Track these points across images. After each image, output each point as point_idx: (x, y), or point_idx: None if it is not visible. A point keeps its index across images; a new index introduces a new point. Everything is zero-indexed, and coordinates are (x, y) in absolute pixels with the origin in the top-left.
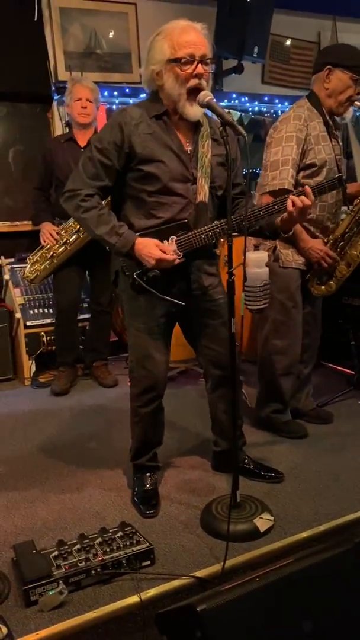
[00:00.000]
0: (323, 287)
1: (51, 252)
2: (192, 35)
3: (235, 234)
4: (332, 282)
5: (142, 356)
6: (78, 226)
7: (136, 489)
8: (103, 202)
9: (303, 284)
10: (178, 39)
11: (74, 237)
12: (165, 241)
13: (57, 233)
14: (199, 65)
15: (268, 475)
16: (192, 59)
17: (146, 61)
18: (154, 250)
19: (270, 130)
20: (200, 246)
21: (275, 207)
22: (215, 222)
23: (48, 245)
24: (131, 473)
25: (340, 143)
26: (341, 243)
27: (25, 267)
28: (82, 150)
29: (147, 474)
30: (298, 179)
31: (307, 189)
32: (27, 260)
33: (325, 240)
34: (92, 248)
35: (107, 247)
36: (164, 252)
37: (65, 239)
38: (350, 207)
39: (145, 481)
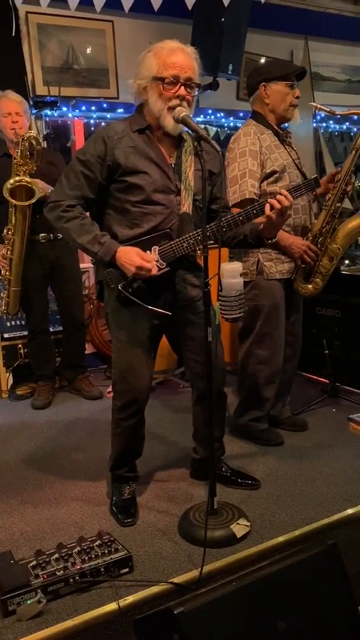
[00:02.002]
0: (310, 285)
1: (3, 272)
2: (179, 58)
3: (214, 244)
4: (317, 279)
5: (124, 369)
6: (6, 231)
7: (114, 499)
8: (87, 214)
9: (287, 294)
10: (166, 59)
11: (10, 244)
12: (147, 251)
13: (3, 254)
14: (182, 87)
15: (245, 483)
16: (176, 81)
17: (135, 75)
18: (134, 257)
19: (226, 153)
20: (182, 254)
21: (254, 211)
22: (196, 230)
23: (2, 271)
24: (109, 483)
25: (295, 149)
26: (320, 238)
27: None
28: None
29: (126, 484)
30: (265, 189)
31: (283, 190)
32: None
33: (305, 238)
34: (49, 262)
35: (90, 257)
36: (145, 260)
37: (4, 252)
38: (324, 202)
39: (123, 490)
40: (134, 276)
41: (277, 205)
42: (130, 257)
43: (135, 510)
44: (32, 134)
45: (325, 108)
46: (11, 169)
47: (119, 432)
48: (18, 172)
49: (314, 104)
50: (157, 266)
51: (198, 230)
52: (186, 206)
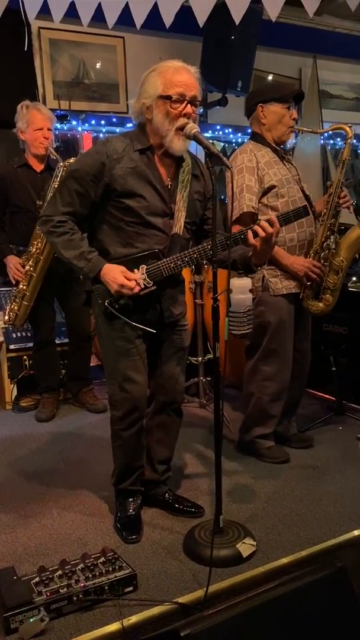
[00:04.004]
0: (320, 303)
1: (21, 286)
2: (184, 77)
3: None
4: (327, 295)
5: (122, 379)
6: (34, 248)
7: (119, 514)
8: (77, 229)
9: (296, 310)
10: (171, 77)
11: (34, 262)
12: (135, 270)
13: (22, 265)
14: (188, 105)
15: (188, 510)
16: (182, 99)
17: (138, 94)
18: (117, 275)
19: (226, 172)
20: (169, 274)
21: (242, 236)
22: (185, 251)
23: (18, 283)
24: (113, 498)
25: (295, 165)
26: (322, 253)
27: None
28: (39, 175)
29: (130, 499)
30: (266, 203)
31: (272, 217)
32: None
33: (306, 255)
34: (59, 276)
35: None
36: (128, 280)
37: (27, 268)
38: (320, 218)
39: (128, 506)
40: (117, 293)
41: (262, 233)
42: (114, 275)
43: (140, 527)
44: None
45: (307, 129)
46: (31, 178)
47: (119, 444)
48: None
49: (297, 127)
50: (144, 285)
51: (186, 251)
52: (178, 227)
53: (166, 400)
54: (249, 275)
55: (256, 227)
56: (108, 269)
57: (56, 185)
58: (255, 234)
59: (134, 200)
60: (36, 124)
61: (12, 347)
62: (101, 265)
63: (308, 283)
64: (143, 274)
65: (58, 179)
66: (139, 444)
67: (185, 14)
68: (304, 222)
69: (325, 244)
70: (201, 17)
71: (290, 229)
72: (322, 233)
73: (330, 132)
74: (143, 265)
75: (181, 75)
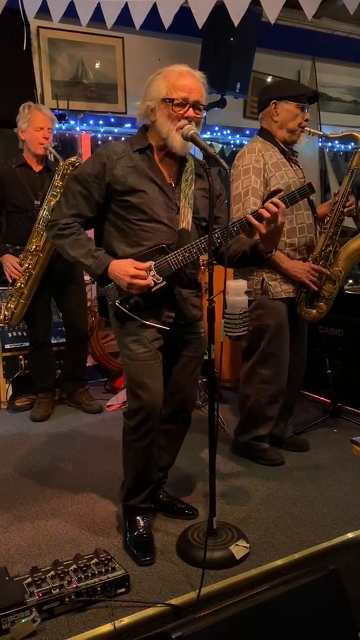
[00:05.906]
0: (314, 310)
1: (19, 284)
2: (188, 81)
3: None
4: (321, 304)
5: (135, 385)
6: (34, 246)
7: (128, 534)
8: (84, 231)
9: (292, 313)
10: (175, 81)
11: (34, 260)
12: None
13: (20, 264)
14: (191, 109)
15: (182, 512)
16: (184, 103)
17: (143, 97)
18: (128, 267)
19: (231, 170)
20: (178, 267)
21: (245, 220)
22: (191, 243)
23: (15, 281)
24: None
25: (302, 167)
26: (321, 262)
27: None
28: (38, 175)
29: (139, 517)
30: None
31: (274, 199)
32: (1, 306)
33: (305, 262)
34: (57, 275)
35: (84, 271)
36: (139, 269)
37: (26, 265)
38: (322, 225)
39: (137, 525)
40: (129, 286)
41: (266, 214)
42: (124, 267)
43: (153, 547)
44: (74, 160)
45: (318, 132)
46: (29, 178)
47: (132, 456)
48: (55, 194)
49: (308, 129)
50: (154, 281)
51: (193, 242)
52: (185, 222)
53: (176, 409)
54: (247, 277)
55: (260, 210)
56: (117, 264)
57: (57, 184)
58: (260, 218)
59: (136, 196)
60: (37, 123)
61: (7, 346)
62: (108, 261)
63: (304, 290)
64: (152, 269)
65: (59, 178)
66: (152, 457)
67: (184, 15)
68: (305, 227)
69: (323, 253)
70: (200, 18)
71: (292, 234)
72: (322, 241)
73: (342, 137)
74: (151, 262)
75: (185, 79)
